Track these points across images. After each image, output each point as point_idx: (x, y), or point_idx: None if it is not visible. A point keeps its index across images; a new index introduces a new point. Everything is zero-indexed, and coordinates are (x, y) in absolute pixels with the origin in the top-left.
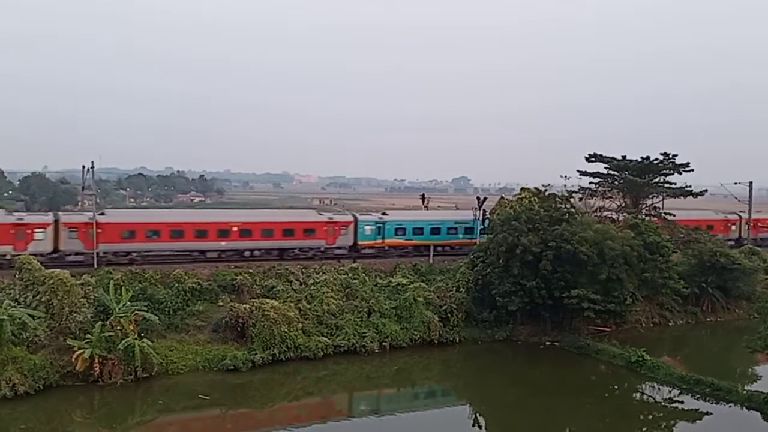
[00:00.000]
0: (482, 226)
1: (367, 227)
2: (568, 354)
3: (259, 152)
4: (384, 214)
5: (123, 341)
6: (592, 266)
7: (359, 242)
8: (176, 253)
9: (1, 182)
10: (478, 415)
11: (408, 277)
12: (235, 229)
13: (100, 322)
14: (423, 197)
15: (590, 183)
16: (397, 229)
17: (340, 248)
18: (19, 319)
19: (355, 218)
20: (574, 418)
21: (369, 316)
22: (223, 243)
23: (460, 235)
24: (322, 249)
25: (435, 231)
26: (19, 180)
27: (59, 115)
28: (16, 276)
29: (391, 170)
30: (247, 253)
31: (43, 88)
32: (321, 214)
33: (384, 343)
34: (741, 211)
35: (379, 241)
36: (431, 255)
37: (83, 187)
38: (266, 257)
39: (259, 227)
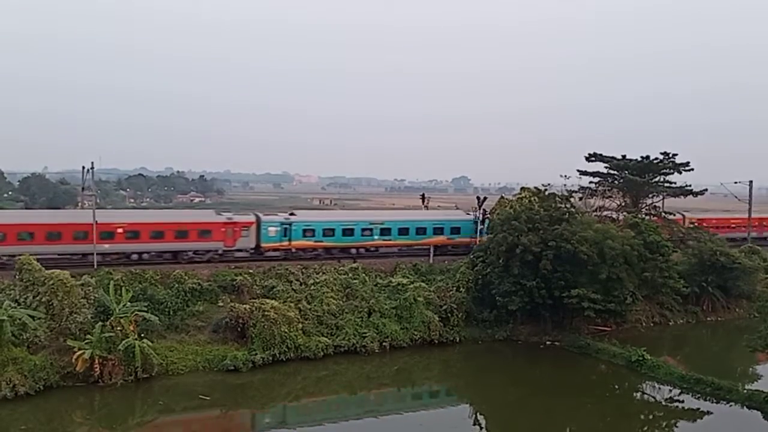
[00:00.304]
0: (482, 226)
1: (272, 228)
2: (569, 353)
3: (260, 152)
4: (292, 214)
5: (123, 342)
6: (592, 266)
7: (263, 244)
8: (56, 257)
9: (1, 183)
10: (478, 414)
11: (408, 277)
12: (120, 230)
13: (100, 323)
14: (423, 197)
15: (590, 182)
16: (305, 231)
17: (241, 251)
18: (19, 319)
19: (258, 219)
20: (574, 418)
21: (369, 316)
22: (106, 246)
23: (376, 237)
24: (219, 252)
25: (348, 232)
26: (19, 181)
27: (59, 116)
28: (16, 277)
29: (391, 170)
30: (134, 257)
31: (43, 88)
32: (219, 214)
33: (384, 343)
34: (685, 211)
35: (286, 243)
36: (431, 255)
37: (83, 188)
38: (161, 261)
39: (148, 228)
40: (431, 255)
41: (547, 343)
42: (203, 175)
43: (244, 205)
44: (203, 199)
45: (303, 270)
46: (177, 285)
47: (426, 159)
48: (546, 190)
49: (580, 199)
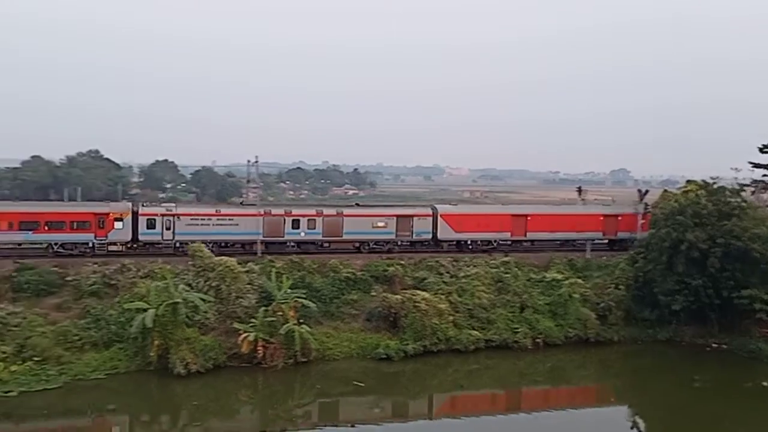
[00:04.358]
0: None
1: None
2: (737, 358)
3: (412, 146)
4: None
5: (284, 326)
6: (766, 264)
7: None
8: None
9: (175, 175)
10: (637, 417)
11: (563, 273)
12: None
13: (263, 308)
14: (579, 190)
15: (764, 175)
16: None
17: None
18: (192, 302)
19: None
20: (742, 427)
21: (522, 311)
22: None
23: None
24: None
25: None
26: (191, 174)
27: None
28: (190, 262)
29: (546, 162)
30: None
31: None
32: None
33: (537, 340)
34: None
35: None
36: (588, 250)
37: (248, 180)
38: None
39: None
40: (588, 250)
41: (714, 345)
42: (357, 169)
43: (394, 197)
44: (357, 191)
45: (454, 263)
46: (333, 274)
47: (583, 151)
48: (714, 183)
49: (753, 193)
